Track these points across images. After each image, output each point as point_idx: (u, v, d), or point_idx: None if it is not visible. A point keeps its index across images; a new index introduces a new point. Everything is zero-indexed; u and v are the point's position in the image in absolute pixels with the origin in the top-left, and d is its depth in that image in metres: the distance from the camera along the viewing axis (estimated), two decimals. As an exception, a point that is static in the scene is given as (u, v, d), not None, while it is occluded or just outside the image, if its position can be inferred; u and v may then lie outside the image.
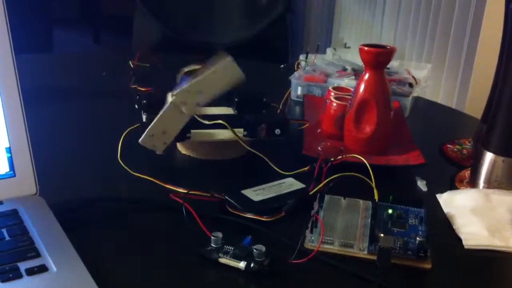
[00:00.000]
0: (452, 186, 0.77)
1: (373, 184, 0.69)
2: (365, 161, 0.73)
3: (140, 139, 0.73)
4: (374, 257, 0.59)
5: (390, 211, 0.68)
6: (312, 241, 0.61)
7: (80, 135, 0.92)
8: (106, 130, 0.92)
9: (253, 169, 0.80)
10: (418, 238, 0.62)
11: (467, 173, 0.81)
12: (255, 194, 0.69)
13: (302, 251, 0.60)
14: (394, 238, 0.62)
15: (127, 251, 0.60)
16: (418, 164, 0.80)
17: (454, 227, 0.67)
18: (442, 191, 0.75)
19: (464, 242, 0.64)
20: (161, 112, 0.72)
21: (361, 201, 0.69)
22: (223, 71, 0.71)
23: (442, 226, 0.68)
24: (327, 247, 0.61)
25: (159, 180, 0.73)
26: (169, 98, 0.72)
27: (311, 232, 0.62)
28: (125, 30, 2.37)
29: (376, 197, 0.69)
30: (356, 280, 0.57)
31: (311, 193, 0.70)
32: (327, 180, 0.70)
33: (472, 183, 0.77)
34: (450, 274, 0.60)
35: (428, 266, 0.60)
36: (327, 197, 0.69)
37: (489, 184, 0.75)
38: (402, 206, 0.69)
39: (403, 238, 0.63)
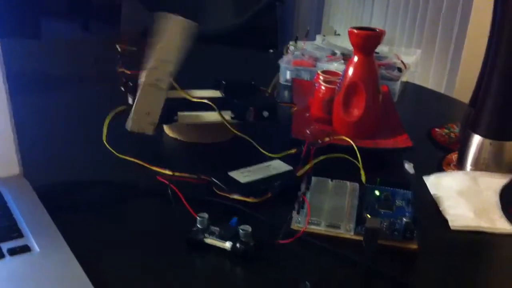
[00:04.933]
0: (440, 169, 0.77)
1: (361, 166, 0.69)
2: (352, 144, 0.72)
3: (128, 126, 0.73)
4: (361, 238, 0.59)
5: (377, 193, 0.67)
6: (299, 222, 0.61)
7: (67, 118, 0.91)
8: (93, 113, 0.91)
9: (240, 152, 0.79)
10: (404, 220, 0.62)
11: (454, 156, 0.81)
12: (242, 176, 0.68)
13: (288, 232, 0.60)
14: (381, 219, 0.62)
15: (112, 233, 0.59)
16: (406, 147, 0.80)
17: (440, 208, 0.67)
18: (429, 174, 0.75)
19: (450, 224, 0.64)
20: (137, 95, 0.72)
21: (348, 183, 0.69)
22: (174, 31, 0.70)
23: (429, 208, 0.68)
24: (314, 228, 0.61)
25: (145, 163, 0.72)
26: (141, 79, 0.72)
27: (298, 213, 0.62)
28: (114, 18, 2.35)
29: (363, 179, 0.69)
30: (343, 261, 0.57)
31: (298, 175, 0.69)
32: (314, 162, 0.69)
33: (460, 166, 0.77)
34: (437, 255, 0.60)
35: (414, 247, 0.59)
36: (314, 179, 0.69)
37: (476, 167, 0.75)
38: (389, 188, 0.69)
39: (389, 220, 0.62)
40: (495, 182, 0.71)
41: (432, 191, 0.71)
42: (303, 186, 0.66)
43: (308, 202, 0.63)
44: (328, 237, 0.60)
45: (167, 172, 0.70)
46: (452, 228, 0.64)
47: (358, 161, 0.69)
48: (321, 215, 0.62)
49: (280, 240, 0.58)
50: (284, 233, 0.59)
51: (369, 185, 0.69)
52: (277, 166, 0.72)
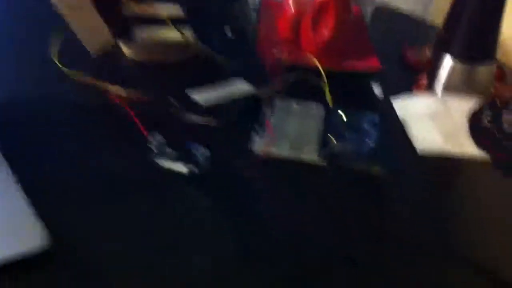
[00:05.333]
0: (410, 92, 0.75)
1: (327, 89, 0.66)
2: (318, 65, 0.69)
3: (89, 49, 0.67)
4: (325, 163, 0.57)
5: (343, 116, 0.65)
6: (261, 145, 0.58)
7: (9, 32, 0.83)
8: (42, 27, 0.84)
9: (201, 72, 0.75)
10: (370, 143, 0.60)
11: (425, 79, 0.78)
12: (202, 97, 0.65)
13: (249, 155, 0.57)
14: (346, 143, 0.60)
15: (58, 153, 0.56)
16: (375, 70, 0.77)
17: (408, 132, 0.65)
18: (398, 97, 0.72)
19: (417, 148, 0.62)
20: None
21: (314, 106, 0.66)
22: None
23: (396, 132, 0.66)
24: (276, 151, 0.58)
25: (98, 81, 0.67)
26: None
27: (259, 135, 0.59)
28: None
29: (329, 102, 0.66)
30: (305, 184, 0.55)
31: (261, 97, 0.66)
32: (279, 84, 0.66)
33: (430, 89, 0.74)
34: (402, 180, 0.58)
35: (379, 171, 0.57)
36: (278, 101, 0.65)
37: (447, 90, 0.73)
38: (355, 111, 0.66)
39: (355, 143, 0.60)
40: (465, 106, 0.69)
41: (400, 114, 0.68)
42: (266, 109, 0.63)
43: (270, 125, 0.60)
44: (290, 161, 0.58)
45: (122, 92, 0.65)
46: (419, 153, 0.62)
47: (325, 84, 0.66)
48: (283, 137, 0.59)
49: (239, 164, 0.55)
50: (244, 156, 0.56)
51: (335, 108, 0.66)
52: (240, 87, 0.68)
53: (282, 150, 0.58)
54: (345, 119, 0.64)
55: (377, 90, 0.74)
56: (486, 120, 0.66)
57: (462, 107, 0.69)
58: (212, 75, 0.70)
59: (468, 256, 0.50)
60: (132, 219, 0.49)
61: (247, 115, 0.63)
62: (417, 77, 0.79)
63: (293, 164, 0.57)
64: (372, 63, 0.78)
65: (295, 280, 0.46)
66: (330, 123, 0.63)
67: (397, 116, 0.68)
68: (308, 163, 0.58)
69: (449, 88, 0.73)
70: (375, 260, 0.49)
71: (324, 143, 0.59)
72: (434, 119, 0.66)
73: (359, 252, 0.49)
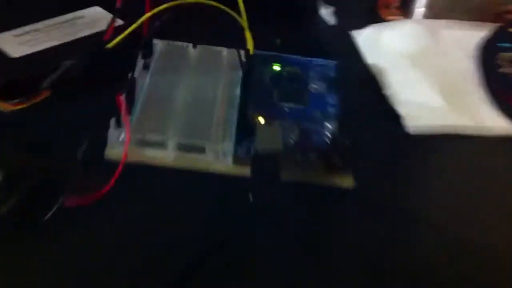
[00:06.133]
0: (376, 18, 0.47)
1: (244, 19, 0.36)
2: None
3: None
4: (245, 171, 0.30)
5: (276, 67, 0.37)
6: (120, 145, 0.30)
7: None
8: None
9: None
10: (328, 124, 0.33)
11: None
12: (17, 43, 0.34)
13: (100, 164, 0.29)
14: (285, 125, 0.32)
15: None
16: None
17: (386, 93, 0.38)
18: (360, 27, 0.44)
19: (407, 124, 0.36)
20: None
21: (224, 52, 0.37)
22: None
23: (366, 92, 0.39)
24: (153, 155, 0.30)
25: None
26: None
27: (119, 125, 0.30)
28: None
29: (249, 43, 0.36)
30: (207, 213, 0.28)
31: (113, 42, 0.35)
32: (154, 12, 0.35)
33: (405, 9, 0.47)
34: (379, 190, 0.32)
35: (348, 182, 0.31)
36: (158, 44, 0.36)
37: (432, 11, 0.46)
38: (297, 57, 0.38)
39: (301, 124, 0.33)
40: (468, 36, 0.43)
41: (369, 58, 0.41)
42: (138, 64, 0.34)
43: (127, 101, 0.31)
44: (179, 171, 0.30)
45: None
46: (411, 132, 0.35)
47: (240, 11, 0.36)
48: (167, 125, 0.31)
49: (70, 198, 0.26)
50: (92, 167, 0.28)
51: (262, 54, 0.37)
52: (92, 20, 0.38)
53: (162, 151, 0.30)
54: (279, 72, 0.36)
55: (326, 13, 0.45)
56: (505, 62, 0.40)
57: (464, 38, 0.42)
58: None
59: None
60: None
61: (94, 82, 0.33)
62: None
63: (185, 175, 0.30)
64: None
65: None
66: (253, 84, 0.35)
67: (362, 60, 0.41)
68: (214, 172, 0.30)
69: (435, 6, 0.46)
70: None
71: (242, 131, 0.31)
72: (424, 65, 0.39)
73: None
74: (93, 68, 0.30)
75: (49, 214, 0.26)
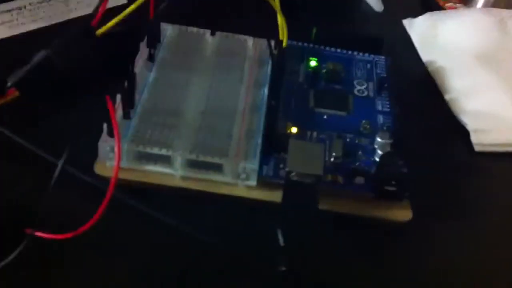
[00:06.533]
0: (430, 4, 0.39)
1: (277, 2, 0.29)
2: None
3: None
4: (273, 196, 0.23)
5: (313, 63, 0.30)
6: (111, 159, 0.23)
7: None
8: None
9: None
10: (379, 139, 0.26)
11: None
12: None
13: (88, 184, 0.22)
14: (323, 138, 0.26)
15: None
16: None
17: (446, 97, 0.31)
18: (412, 15, 0.37)
19: (473, 139, 0.29)
20: None
21: (249, 41, 0.30)
22: None
23: (422, 97, 0.32)
24: (156, 173, 0.23)
25: None
26: None
27: (110, 135, 0.23)
28: None
29: (282, 32, 0.29)
30: (223, 249, 0.21)
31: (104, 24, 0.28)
32: None
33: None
34: (441, 223, 0.25)
35: (406, 215, 0.24)
36: (169, 29, 0.29)
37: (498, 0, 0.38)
38: (338, 51, 0.31)
39: (344, 138, 0.26)
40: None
41: (424, 54, 0.34)
42: (140, 54, 0.27)
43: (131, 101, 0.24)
44: (188, 195, 0.23)
45: None
46: (476, 149, 0.28)
47: None
48: (175, 136, 0.24)
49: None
50: (83, 186, 0.21)
51: (296, 45, 0.30)
52: (84, 1, 0.31)
53: (167, 168, 0.23)
54: (317, 68, 0.29)
55: (373, 1, 0.38)
56: None
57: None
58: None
59: None
60: None
61: (85, 79, 0.26)
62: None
63: (193, 203, 0.23)
64: None
65: None
66: (283, 83, 0.28)
67: (416, 56, 0.34)
68: (233, 197, 0.24)
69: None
70: None
71: (272, 143, 0.25)
72: (494, 65, 0.32)
73: None
74: (78, 60, 0.23)
75: (14, 255, 0.19)
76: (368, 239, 0.24)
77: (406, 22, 0.36)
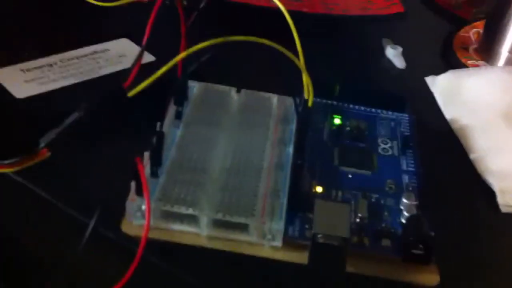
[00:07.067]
0: (454, 62, 0.40)
1: (301, 59, 0.29)
2: (280, 6, 0.32)
3: None
4: (298, 257, 0.23)
5: (336, 121, 0.30)
6: (141, 218, 0.23)
7: None
8: None
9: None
10: (405, 200, 0.25)
11: (473, 32, 0.43)
12: (22, 80, 0.28)
13: (116, 244, 0.23)
14: (348, 198, 0.25)
15: None
16: (389, 15, 0.41)
17: (471, 156, 0.31)
18: (434, 72, 0.37)
19: (500, 200, 0.28)
20: None
21: (273, 99, 0.30)
22: None
23: (446, 156, 0.32)
24: (182, 232, 0.23)
25: None
26: None
27: (138, 193, 0.23)
28: None
29: (308, 90, 0.30)
30: None
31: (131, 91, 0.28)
32: (192, 50, 0.29)
33: (487, 51, 0.40)
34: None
35: (432, 279, 0.24)
36: (196, 87, 0.30)
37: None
38: (362, 109, 0.31)
39: (368, 197, 0.26)
40: None
41: (448, 111, 0.34)
42: (168, 112, 0.27)
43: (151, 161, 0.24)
44: (212, 254, 0.23)
45: None
46: (503, 210, 0.28)
47: (296, 47, 0.29)
48: (201, 195, 0.24)
49: None
50: (111, 247, 0.21)
51: (318, 102, 0.31)
52: (118, 55, 0.32)
53: (193, 227, 0.23)
54: (341, 126, 0.29)
55: (394, 53, 0.39)
56: None
57: None
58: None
59: None
60: None
61: (107, 133, 0.26)
62: (459, 29, 0.44)
63: (218, 262, 0.23)
64: (386, 5, 0.42)
65: None
66: (307, 141, 0.28)
67: (439, 114, 0.34)
68: (259, 257, 0.23)
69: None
70: None
71: (297, 201, 0.25)
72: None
73: None
74: (108, 117, 0.24)
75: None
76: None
77: (428, 80, 0.36)
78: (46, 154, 0.20)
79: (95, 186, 0.25)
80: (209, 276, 0.23)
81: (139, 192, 0.23)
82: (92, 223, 0.21)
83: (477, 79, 0.35)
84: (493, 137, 0.31)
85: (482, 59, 0.39)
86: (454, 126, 0.33)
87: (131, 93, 0.22)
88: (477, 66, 0.38)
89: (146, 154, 0.24)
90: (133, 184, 0.23)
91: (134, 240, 0.22)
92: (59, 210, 0.24)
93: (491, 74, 0.35)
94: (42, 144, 0.20)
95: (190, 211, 0.23)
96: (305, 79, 0.28)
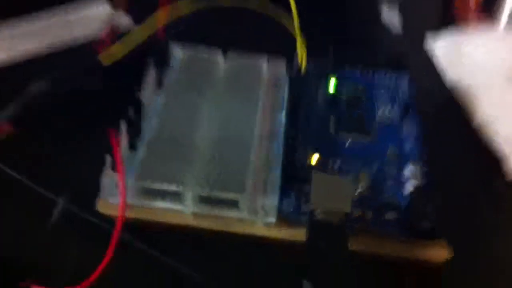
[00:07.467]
0: (453, 21, 0.37)
1: (297, 24, 0.27)
2: None
3: None
4: (294, 235, 0.21)
5: (332, 85, 0.28)
6: (118, 196, 0.21)
7: None
8: None
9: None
10: (411, 171, 0.23)
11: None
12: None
13: (90, 224, 0.20)
14: (347, 168, 0.23)
15: None
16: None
17: (476, 122, 0.29)
18: (434, 30, 0.35)
19: (509, 166, 0.26)
20: None
21: (264, 63, 0.28)
22: None
23: (450, 121, 0.29)
24: (165, 210, 0.21)
25: None
26: None
27: (114, 169, 0.21)
28: None
29: (301, 53, 0.27)
30: None
31: (107, 56, 0.26)
32: (177, 9, 0.26)
33: (489, 11, 0.37)
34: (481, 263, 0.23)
35: (442, 254, 0.22)
36: (179, 51, 0.27)
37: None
38: (358, 73, 0.29)
39: (370, 168, 0.24)
40: None
41: (450, 73, 0.32)
42: (148, 79, 0.25)
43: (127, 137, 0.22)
44: (201, 235, 0.21)
45: None
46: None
47: (291, 10, 0.27)
48: (186, 170, 0.22)
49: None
50: (81, 223, 0.19)
51: (314, 67, 0.28)
52: (91, 22, 0.29)
53: (178, 204, 0.21)
54: (337, 93, 0.27)
55: (390, 14, 0.36)
56: None
57: None
58: None
59: None
60: None
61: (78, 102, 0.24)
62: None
63: (205, 242, 0.21)
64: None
65: None
66: (302, 109, 0.26)
67: (439, 78, 0.32)
68: (251, 236, 0.21)
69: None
70: None
71: (293, 176, 0.22)
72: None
73: None
74: (80, 90, 0.21)
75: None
76: (403, 282, 0.21)
77: (428, 42, 0.34)
78: (9, 129, 0.18)
79: (70, 164, 0.22)
80: (195, 258, 0.20)
81: (115, 168, 0.20)
82: (61, 202, 0.19)
83: (481, 39, 0.32)
84: (499, 97, 0.29)
85: (486, 20, 0.37)
86: (456, 90, 0.30)
87: (105, 61, 0.19)
88: (479, 27, 0.36)
89: (124, 125, 0.22)
90: (108, 159, 0.21)
91: (112, 221, 0.20)
92: (29, 189, 0.21)
93: (492, 36, 0.33)
94: (2, 118, 0.18)
95: (173, 187, 0.21)
96: (299, 43, 0.26)
